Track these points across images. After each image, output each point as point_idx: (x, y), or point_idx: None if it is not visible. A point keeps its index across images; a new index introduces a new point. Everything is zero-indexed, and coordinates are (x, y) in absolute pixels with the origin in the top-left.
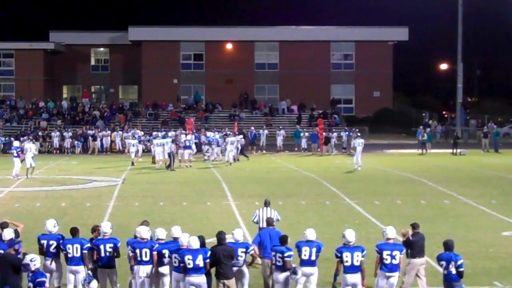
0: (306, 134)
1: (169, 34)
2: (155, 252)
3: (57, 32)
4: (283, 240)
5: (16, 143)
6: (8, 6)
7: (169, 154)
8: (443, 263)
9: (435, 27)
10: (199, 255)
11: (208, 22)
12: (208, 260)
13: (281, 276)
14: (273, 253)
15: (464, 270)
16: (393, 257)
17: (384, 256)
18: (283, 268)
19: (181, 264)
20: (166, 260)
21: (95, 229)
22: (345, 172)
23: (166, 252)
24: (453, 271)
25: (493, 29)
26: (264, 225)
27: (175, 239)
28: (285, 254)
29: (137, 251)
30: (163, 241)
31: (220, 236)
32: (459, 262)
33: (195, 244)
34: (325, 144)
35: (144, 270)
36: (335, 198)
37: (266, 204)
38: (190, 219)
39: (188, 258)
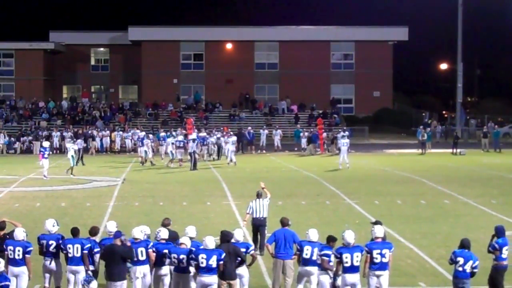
0: (306, 134)
1: (169, 34)
2: (150, 250)
3: (57, 32)
4: (329, 239)
5: (45, 144)
6: (8, 6)
7: (190, 154)
8: (461, 260)
9: (435, 27)
10: (213, 256)
11: (208, 22)
12: (222, 262)
13: (321, 276)
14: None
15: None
16: (382, 256)
17: (374, 255)
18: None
19: (194, 263)
20: (166, 260)
21: (96, 232)
22: (345, 172)
23: (166, 252)
24: (468, 269)
25: (493, 29)
26: (258, 216)
27: (190, 239)
28: (322, 252)
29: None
30: (164, 241)
31: (226, 235)
32: (476, 263)
33: (211, 244)
34: (308, 143)
35: (140, 270)
36: (335, 198)
37: (259, 195)
38: (190, 219)
39: (202, 257)
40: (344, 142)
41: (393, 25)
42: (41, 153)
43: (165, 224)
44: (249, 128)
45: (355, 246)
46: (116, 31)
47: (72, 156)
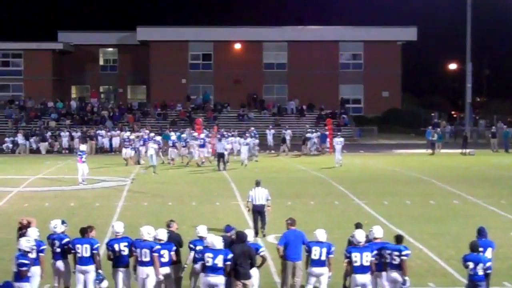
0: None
1: (178, 34)
2: (155, 254)
3: (65, 32)
4: (400, 239)
5: (82, 147)
6: (16, 7)
7: (221, 154)
8: (470, 264)
9: (444, 27)
10: (220, 255)
11: (217, 22)
12: (229, 262)
13: (394, 275)
14: (388, 251)
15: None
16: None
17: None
18: (398, 266)
19: (201, 262)
20: (166, 261)
21: (88, 231)
22: (354, 172)
23: (165, 252)
24: (480, 272)
25: (502, 28)
26: (257, 203)
27: (200, 238)
28: (403, 253)
29: (138, 250)
30: (163, 242)
31: (241, 236)
32: (487, 264)
33: (218, 244)
34: (282, 143)
35: (144, 271)
36: (344, 198)
37: (258, 184)
38: (199, 219)
39: (208, 256)
40: (338, 141)
41: (402, 25)
42: (80, 156)
43: (168, 226)
44: (252, 128)
45: (365, 246)
46: (124, 31)
47: (151, 155)
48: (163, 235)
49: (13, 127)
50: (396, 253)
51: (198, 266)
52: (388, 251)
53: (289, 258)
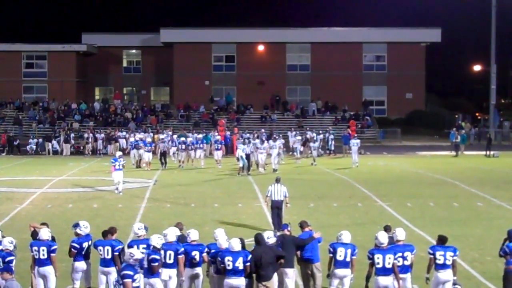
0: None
1: (201, 36)
2: (180, 256)
3: (89, 34)
4: (445, 239)
5: (118, 154)
6: (41, 9)
7: (247, 155)
8: None
9: (468, 28)
10: (240, 258)
11: (240, 23)
12: (248, 264)
13: (447, 275)
14: (441, 253)
15: None
16: (404, 258)
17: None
18: (450, 266)
19: (221, 265)
20: (197, 261)
21: (111, 232)
22: (377, 174)
23: (196, 253)
24: None
25: None
26: (276, 198)
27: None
28: (457, 252)
29: (162, 252)
30: (195, 243)
31: (260, 237)
32: None
33: (237, 246)
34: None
35: (167, 273)
36: (367, 200)
37: (277, 181)
38: (221, 220)
39: (228, 260)
40: (354, 142)
41: (426, 27)
42: (113, 164)
43: (178, 229)
44: (262, 130)
45: (388, 248)
46: (148, 33)
47: (241, 156)
48: (195, 235)
49: (36, 129)
50: (451, 253)
51: (211, 269)
52: (441, 253)
53: (305, 259)
